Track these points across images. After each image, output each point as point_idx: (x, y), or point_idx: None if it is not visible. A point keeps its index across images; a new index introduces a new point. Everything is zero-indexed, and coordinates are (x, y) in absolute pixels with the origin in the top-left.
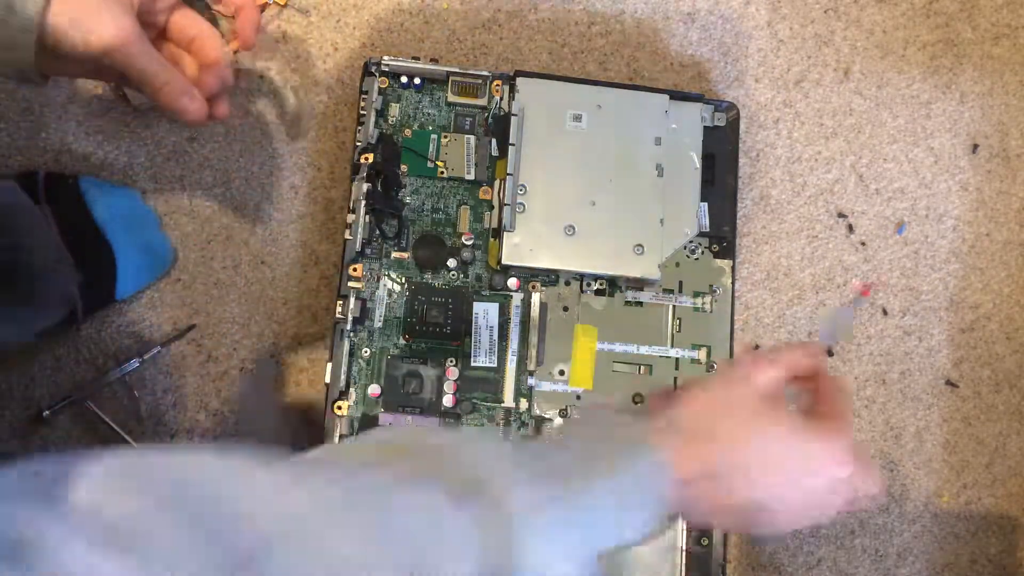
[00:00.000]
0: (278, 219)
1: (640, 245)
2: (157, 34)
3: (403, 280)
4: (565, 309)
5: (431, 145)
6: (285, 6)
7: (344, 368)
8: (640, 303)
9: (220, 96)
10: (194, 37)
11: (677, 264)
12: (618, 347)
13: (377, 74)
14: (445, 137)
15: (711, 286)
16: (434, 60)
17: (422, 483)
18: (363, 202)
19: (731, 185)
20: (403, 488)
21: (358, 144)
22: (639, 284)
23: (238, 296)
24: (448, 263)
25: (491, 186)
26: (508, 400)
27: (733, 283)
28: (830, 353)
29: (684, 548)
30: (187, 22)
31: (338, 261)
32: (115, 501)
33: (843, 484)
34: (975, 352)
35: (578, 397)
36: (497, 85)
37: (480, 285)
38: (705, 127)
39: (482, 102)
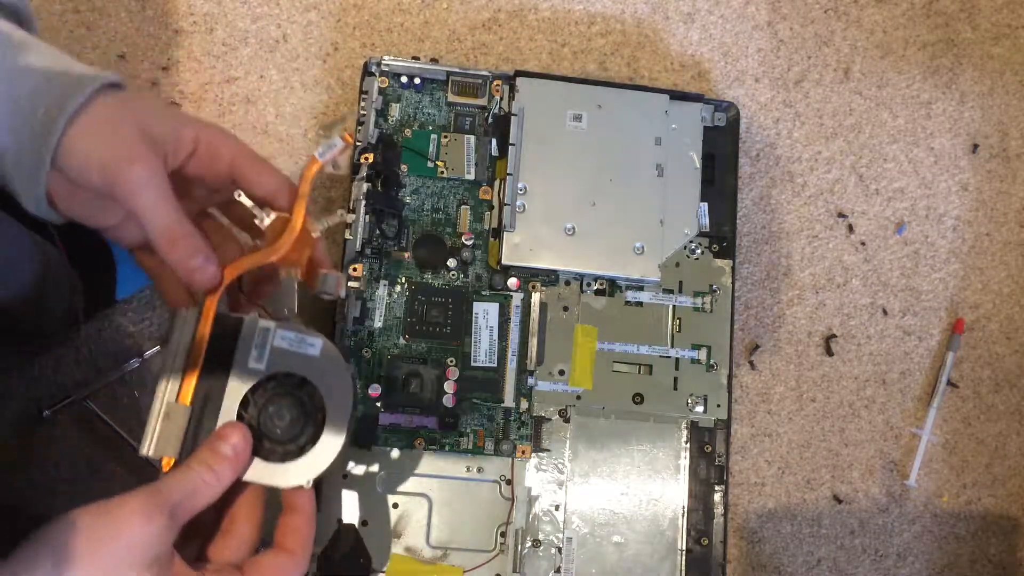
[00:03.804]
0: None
1: (640, 245)
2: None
3: (403, 280)
4: (565, 309)
5: (431, 145)
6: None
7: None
8: (640, 303)
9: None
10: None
11: (677, 264)
12: (618, 347)
13: (377, 74)
14: (445, 137)
15: (711, 286)
16: (434, 60)
17: None
18: (363, 202)
19: (731, 185)
20: None
21: (358, 144)
22: (639, 284)
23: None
24: (448, 263)
25: (491, 186)
26: (508, 400)
27: (733, 283)
28: (829, 352)
29: (684, 548)
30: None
31: (338, 261)
32: None
33: None
34: (975, 352)
35: (578, 397)
36: (497, 85)
37: (480, 285)
38: (705, 127)
39: (482, 102)
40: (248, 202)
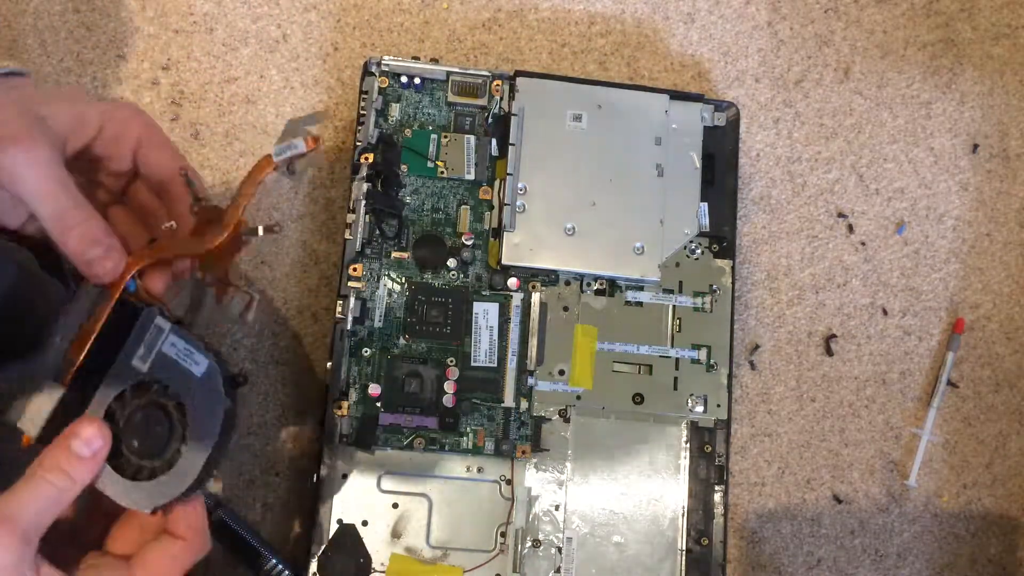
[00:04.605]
0: (278, 219)
1: (640, 245)
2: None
3: (403, 280)
4: (565, 309)
5: (431, 145)
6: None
7: (344, 368)
8: (640, 303)
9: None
10: (165, 190)
11: (677, 264)
12: (618, 347)
13: (377, 74)
14: (445, 137)
15: (711, 286)
16: (434, 60)
17: None
18: (363, 202)
19: (731, 185)
20: None
21: (358, 144)
22: (639, 284)
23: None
24: (448, 263)
25: (491, 186)
26: (508, 400)
27: (733, 283)
28: (829, 352)
29: (684, 548)
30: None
31: (338, 261)
32: None
33: None
34: (975, 352)
35: (578, 397)
36: (497, 85)
37: (480, 285)
38: (705, 127)
39: (482, 102)
40: (193, 183)
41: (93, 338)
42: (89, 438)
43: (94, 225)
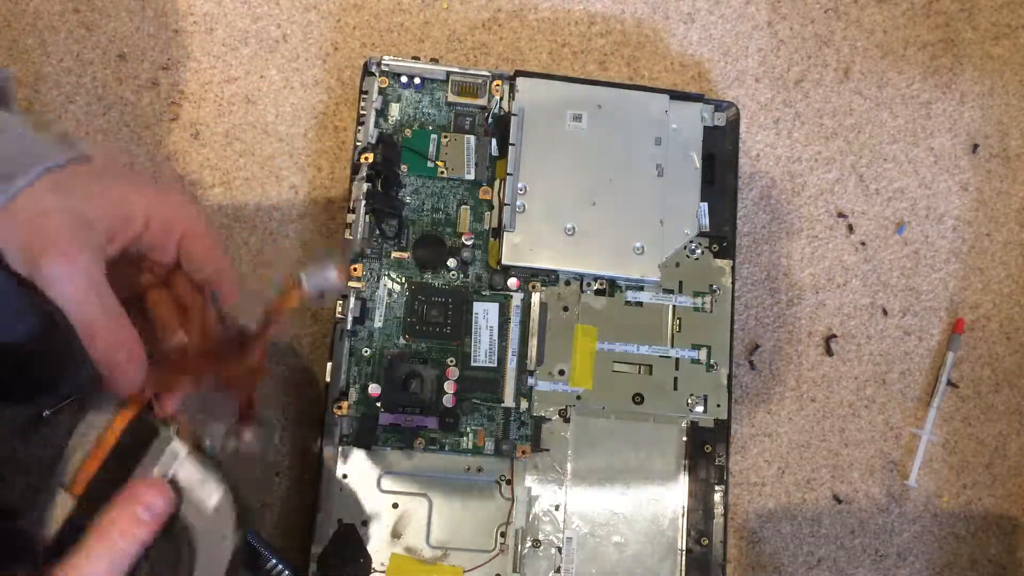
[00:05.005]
0: (278, 219)
1: (640, 245)
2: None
3: (403, 280)
4: (565, 309)
5: (431, 145)
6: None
7: (344, 368)
8: (640, 303)
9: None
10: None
11: (677, 264)
12: (618, 347)
13: (377, 74)
14: (445, 137)
15: (711, 286)
16: (434, 60)
17: None
18: (363, 202)
19: (731, 185)
20: None
21: (358, 144)
22: (639, 284)
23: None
24: (448, 263)
25: (491, 186)
26: (508, 400)
27: (733, 283)
28: (829, 352)
29: (684, 548)
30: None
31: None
32: None
33: None
34: (975, 352)
35: (578, 397)
36: (497, 85)
37: (480, 285)
38: (705, 127)
39: (482, 102)
40: (218, 300)
41: (109, 450)
42: (150, 503)
43: (121, 334)
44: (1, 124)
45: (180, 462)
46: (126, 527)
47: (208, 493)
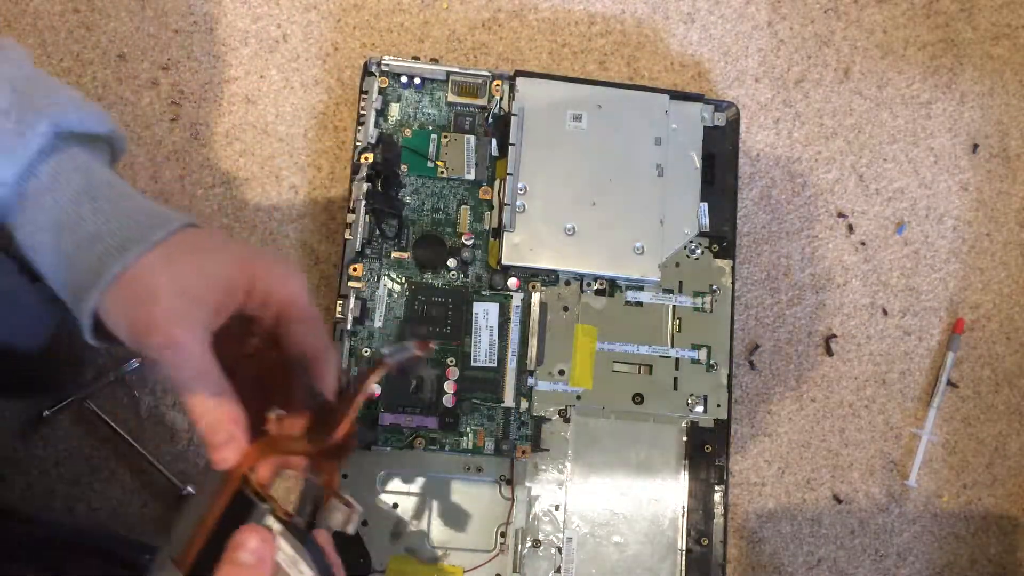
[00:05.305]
0: (278, 219)
1: (640, 245)
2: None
3: (403, 280)
4: (565, 309)
5: (431, 145)
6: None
7: (344, 368)
8: (640, 303)
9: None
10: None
11: (677, 264)
12: (618, 347)
13: (377, 74)
14: (445, 137)
15: (711, 286)
16: (434, 60)
17: None
18: (363, 202)
19: (731, 185)
20: None
21: (358, 144)
22: (639, 284)
23: None
24: (448, 263)
25: (491, 186)
26: (508, 400)
27: (733, 283)
28: (829, 352)
29: (684, 548)
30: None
31: (338, 261)
32: None
33: None
34: (975, 352)
35: (578, 397)
36: (497, 85)
37: (480, 285)
38: (705, 127)
39: (482, 102)
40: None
41: (212, 526)
42: (254, 549)
43: (222, 415)
44: (119, 189)
45: (275, 538)
46: (238, 573)
47: (300, 571)
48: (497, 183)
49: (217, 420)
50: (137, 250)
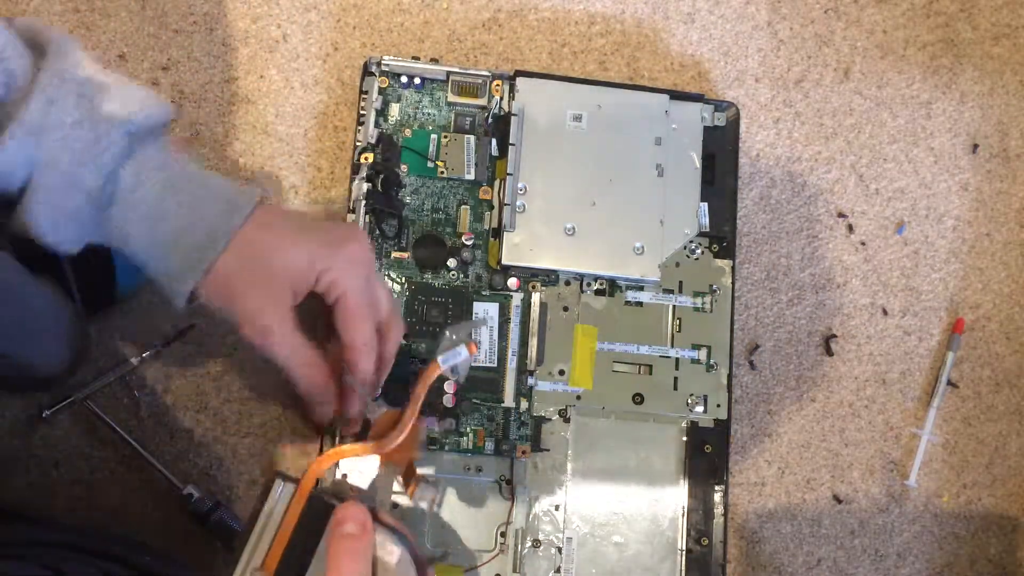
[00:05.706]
0: None
1: (640, 245)
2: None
3: (403, 280)
4: (565, 309)
5: (431, 145)
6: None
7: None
8: (640, 303)
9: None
10: (346, 346)
11: (677, 264)
12: (618, 347)
13: (377, 74)
14: (445, 137)
15: (711, 286)
16: (434, 60)
17: None
18: (363, 202)
19: (731, 185)
20: None
21: (358, 144)
22: (639, 284)
23: None
24: (448, 263)
25: (491, 186)
26: (508, 400)
27: (733, 283)
28: (829, 352)
29: (684, 548)
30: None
31: None
32: None
33: None
34: (975, 352)
35: (578, 397)
36: (497, 85)
37: (480, 285)
38: (705, 127)
39: (482, 102)
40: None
41: (291, 531)
42: (356, 519)
43: (318, 378)
44: (195, 177)
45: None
46: (342, 547)
47: (389, 551)
48: (497, 183)
49: (314, 385)
50: (220, 245)
